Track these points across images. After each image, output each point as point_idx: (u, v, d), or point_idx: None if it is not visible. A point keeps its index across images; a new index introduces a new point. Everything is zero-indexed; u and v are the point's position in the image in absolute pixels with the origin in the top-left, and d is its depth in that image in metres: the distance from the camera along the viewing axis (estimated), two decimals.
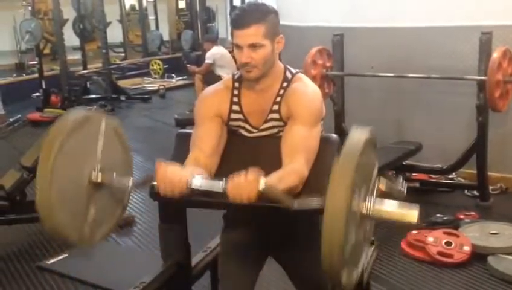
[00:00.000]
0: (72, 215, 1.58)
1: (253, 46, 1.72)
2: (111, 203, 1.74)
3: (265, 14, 1.73)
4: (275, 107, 1.81)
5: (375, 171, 1.55)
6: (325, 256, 1.32)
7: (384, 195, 1.49)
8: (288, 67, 1.87)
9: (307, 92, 1.78)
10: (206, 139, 1.80)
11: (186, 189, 1.56)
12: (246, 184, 1.51)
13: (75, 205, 1.60)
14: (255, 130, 1.84)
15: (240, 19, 1.73)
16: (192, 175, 1.59)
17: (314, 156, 1.74)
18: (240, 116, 1.85)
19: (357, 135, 1.40)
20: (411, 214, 1.43)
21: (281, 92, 1.81)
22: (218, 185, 1.55)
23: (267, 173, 1.72)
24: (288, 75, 1.84)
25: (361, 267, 1.52)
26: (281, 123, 1.80)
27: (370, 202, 1.42)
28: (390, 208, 1.44)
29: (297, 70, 1.89)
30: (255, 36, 1.71)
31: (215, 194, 1.58)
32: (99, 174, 1.64)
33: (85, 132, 1.62)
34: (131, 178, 1.70)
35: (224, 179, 1.55)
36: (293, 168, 1.68)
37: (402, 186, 1.53)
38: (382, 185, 1.50)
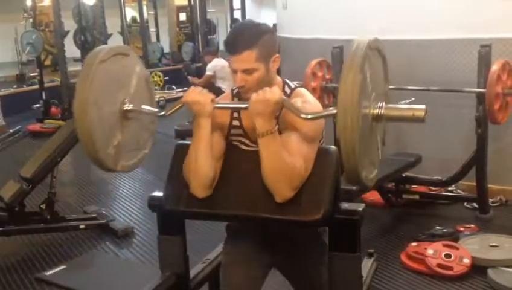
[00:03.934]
0: (102, 131, 1.67)
1: (247, 71, 1.73)
2: (139, 133, 1.87)
3: (258, 37, 1.72)
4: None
5: (386, 88, 1.67)
6: (343, 153, 1.43)
7: None
8: (287, 81, 1.86)
9: (306, 108, 1.76)
10: (220, 122, 1.84)
11: (210, 105, 1.71)
12: (271, 90, 1.64)
13: (106, 124, 1.70)
14: (254, 145, 1.84)
15: (232, 45, 1.73)
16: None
17: (311, 167, 1.73)
18: (239, 131, 1.85)
19: (362, 39, 1.51)
20: (419, 110, 1.56)
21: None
22: (243, 103, 1.73)
23: (265, 185, 1.72)
24: (287, 90, 1.83)
25: (377, 170, 1.64)
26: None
27: (381, 105, 1.55)
28: (399, 107, 1.58)
29: (297, 84, 1.88)
30: (248, 62, 1.72)
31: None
32: (131, 105, 1.76)
33: (124, 63, 1.78)
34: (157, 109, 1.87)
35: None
36: (293, 159, 1.69)
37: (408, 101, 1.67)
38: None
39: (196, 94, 1.70)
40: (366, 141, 1.48)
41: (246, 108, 1.68)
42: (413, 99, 1.68)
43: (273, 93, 1.63)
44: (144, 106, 1.81)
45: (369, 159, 1.54)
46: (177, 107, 1.80)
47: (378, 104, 1.54)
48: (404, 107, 1.57)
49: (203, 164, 1.74)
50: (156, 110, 1.86)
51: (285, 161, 1.65)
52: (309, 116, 1.63)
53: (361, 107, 1.43)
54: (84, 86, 1.60)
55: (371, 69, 1.49)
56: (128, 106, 1.76)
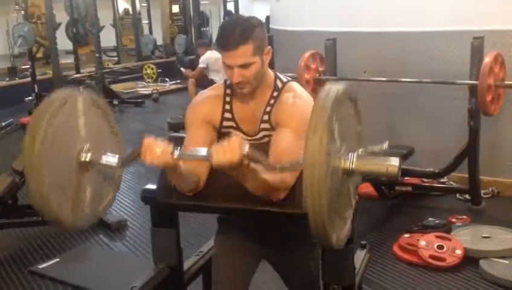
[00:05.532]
0: (66, 198, 1.58)
1: (244, 66, 1.70)
2: (104, 182, 1.76)
3: (251, 32, 1.69)
4: (265, 117, 1.80)
5: (358, 129, 1.57)
6: (310, 210, 1.30)
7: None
8: (279, 75, 1.85)
9: (296, 102, 1.76)
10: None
11: (171, 158, 1.55)
12: (230, 147, 1.48)
13: (67, 188, 1.60)
14: (248, 138, 1.84)
15: (226, 41, 1.69)
16: (177, 147, 1.57)
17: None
18: (232, 123, 1.84)
19: (331, 86, 1.38)
20: (392, 166, 1.41)
21: (271, 101, 1.80)
22: (202, 152, 1.55)
23: None
24: (279, 84, 1.82)
25: (349, 225, 1.52)
26: (271, 132, 1.79)
27: (352, 157, 1.41)
28: (372, 161, 1.44)
29: (289, 78, 1.87)
30: (245, 56, 1.69)
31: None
32: (87, 154, 1.64)
33: (65, 113, 1.59)
34: (118, 156, 1.69)
35: (205, 150, 1.54)
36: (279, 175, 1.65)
37: (384, 146, 1.53)
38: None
39: (154, 156, 1.54)
40: (336, 199, 1.38)
41: (206, 157, 1.53)
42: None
43: (233, 152, 1.47)
44: (103, 157, 1.67)
45: (339, 214, 1.43)
46: (131, 159, 1.67)
47: (349, 158, 1.41)
48: (377, 161, 1.43)
49: (182, 185, 1.76)
50: (112, 162, 1.68)
51: (270, 183, 1.62)
52: (277, 167, 1.53)
53: (330, 158, 1.31)
54: (32, 148, 1.46)
55: (341, 117, 1.38)
56: (85, 158, 1.64)
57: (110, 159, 1.68)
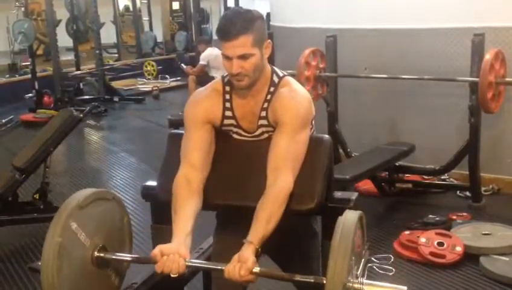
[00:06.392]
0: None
1: (243, 57, 1.69)
2: (112, 275, 1.82)
3: (252, 23, 1.69)
4: (263, 113, 1.79)
5: (365, 251, 1.64)
6: None
7: None
8: (276, 70, 1.84)
9: (292, 96, 1.75)
10: (197, 153, 1.79)
11: (185, 265, 1.63)
12: (242, 269, 1.57)
13: (81, 284, 1.66)
14: (247, 134, 1.84)
15: (227, 31, 1.68)
16: (188, 251, 1.66)
17: (302, 160, 1.73)
18: (232, 121, 1.83)
19: (350, 216, 1.54)
20: None
21: (268, 96, 1.79)
22: (215, 266, 1.68)
23: (259, 175, 1.72)
24: (275, 79, 1.81)
25: None
26: (270, 128, 1.79)
27: (362, 282, 1.51)
28: (381, 286, 1.53)
29: (285, 73, 1.86)
30: (244, 47, 1.68)
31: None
32: (101, 254, 1.71)
33: (93, 210, 1.70)
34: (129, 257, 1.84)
35: (220, 264, 1.64)
36: (277, 191, 1.68)
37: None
38: None
39: (171, 268, 1.62)
40: None
41: (221, 270, 1.62)
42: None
43: (244, 278, 1.57)
44: (116, 254, 1.77)
45: None
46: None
47: (360, 281, 1.51)
48: (385, 287, 1.53)
49: None
50: (123, 264, 1.82)
51: (278, 215, 1.67)
52: (296, 277, 1.59)
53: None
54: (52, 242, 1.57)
55: (354, 243, 1.47)
56: (99, 254, 1.71)
57: (123, 259, 1.81)
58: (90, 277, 1.69)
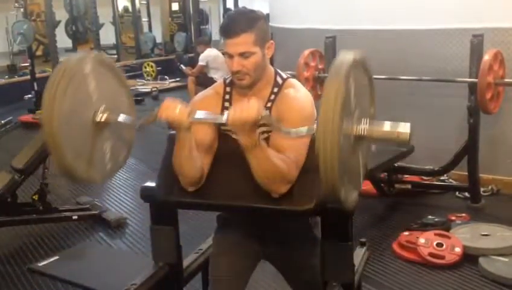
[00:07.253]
0: (78, 153, 1.60)
1: (244, 55, 1.71)
2: (118, 142, 1.80)
3: (255, 21, 1.72)
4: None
5: (371, 101, 1.59)
6: (321, 170, 1.35)
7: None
8: (279, 71, 1.85)
9: (298, 97, 1.77)
10: (200, 138, 1.78)
11: (186, 119, 1.60)
12: (248, 105, 1.54)
13: (81, 145, 1.63)
14: None
15: (229, 28, 1.72)
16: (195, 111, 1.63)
17: (302, 161, 1.73)
18: None
19: (345, 55, 1.42)
20: (403, 133, 1.45)
21: (272, 97, 1.80)
22: (220, 117, 1.62)
23: None
24: (279, 80, 1.83)
25: (358, 192, 1.55)
26: (271, 129, 1.80)
27: (364, 124, 1.45)
28: (384, 127, 1.47)
29: (288, 74, 1.88)
30: (245, 45, 1.70)
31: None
32: (103, 114, 1.67)
33: (78, 77, 1.61)
34: (133, 118, 1.75)
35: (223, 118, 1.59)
36: (284, 158, 1.67)
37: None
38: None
39: (171, 111, 1.60)
40: (346, 161, 1.40)
41: (224, 124, 1.61)
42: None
43: (251, 110, 1.53)
44: (120, 116, 1.70)
45: (349, 178, 1.45)
46: (150, 120, 1.69)
47: (362, 123, 1.45)
48: (388, 127, 1.46)
49: (188, 169, 1.73)
50: (128, 121, 1.73)
51: (277, 166, 1.64)
52: (292, 131, 1.57)
53: (343, 123, 1.34)
54: (55, 96, 1.51)
55: (356, 83, 1.40)
56: (101, 118, 1.66)
57: (127, 118, 1.72)
58: (94, 139, 1.68)
